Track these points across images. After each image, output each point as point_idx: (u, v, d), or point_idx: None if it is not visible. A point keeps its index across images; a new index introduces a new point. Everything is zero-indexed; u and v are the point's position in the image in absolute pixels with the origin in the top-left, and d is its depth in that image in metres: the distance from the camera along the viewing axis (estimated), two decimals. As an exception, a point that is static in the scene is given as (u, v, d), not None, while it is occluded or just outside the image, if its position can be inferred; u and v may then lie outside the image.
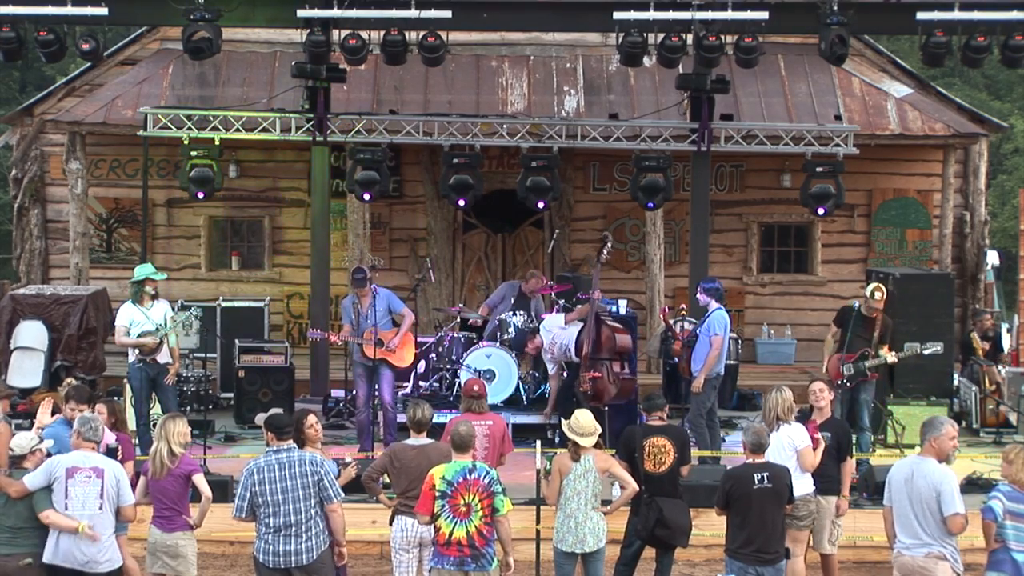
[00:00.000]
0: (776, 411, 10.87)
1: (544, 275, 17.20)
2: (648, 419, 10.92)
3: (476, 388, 11.27)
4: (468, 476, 9.20)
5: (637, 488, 10.43)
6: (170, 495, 9.72)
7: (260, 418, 9.81)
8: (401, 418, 13.52)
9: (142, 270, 14.30)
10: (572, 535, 10.21)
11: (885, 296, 13.81)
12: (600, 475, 10.27)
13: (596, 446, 10.42)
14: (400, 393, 15.57)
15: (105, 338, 17.62)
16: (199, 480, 9.90)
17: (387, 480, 10.26)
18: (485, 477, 9.23)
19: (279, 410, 10.37)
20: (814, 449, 10.90)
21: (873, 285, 13.97)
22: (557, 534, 10.28)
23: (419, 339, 16.04)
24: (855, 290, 19.75)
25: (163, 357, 14.11)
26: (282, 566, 9.20)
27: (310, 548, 9.21)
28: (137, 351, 14.03)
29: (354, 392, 15.20)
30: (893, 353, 13.82)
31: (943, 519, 9.08)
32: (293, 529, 9.18)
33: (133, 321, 14.00)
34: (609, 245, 14.79)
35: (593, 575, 10.38)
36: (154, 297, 14.11)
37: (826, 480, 11.06)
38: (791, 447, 10.80)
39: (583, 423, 10.24)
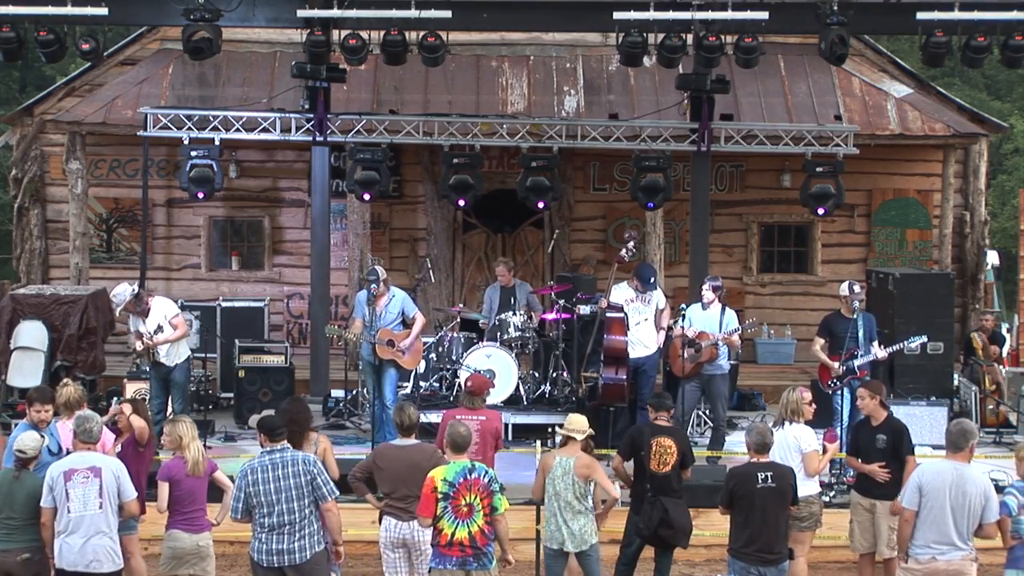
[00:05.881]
0: (782, 410, 10.85)
1: (512, 266, 17.24)
2: (655, 418, 10.92)
3: (470, 384, 11.34)
4: (468, 476, 9.22)
5: (617, 497, 10.48)
6: (199, 495, 9.84)
7: (254, 420, 9.86)
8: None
9: None
10: (555, 534, 10.27)
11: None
12: (579, 479, 10.24)
13: (584, 448, 10.47)
14: (400, 393, 15.59)
15: (105, 338, 17.63)
16: (222, 476, 10.05)
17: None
18: (485, 476, 9.26)
19: (270, 411, 10.38)
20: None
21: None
22: (544, 531, 10.36)
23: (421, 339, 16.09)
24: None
25: (169, 359, 14.30)
26: (275, 565, 9.22)
27: (303, 548, 9.22)
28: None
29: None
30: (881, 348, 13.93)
31: (981, 524, 9.15)
32: (287, 528, 9.20)
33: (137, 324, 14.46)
34: (631, 245, 14.91)
35: (588, 574, 10.40)
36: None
37: (882, 483, 10.92)
38: (796, 448, 10.78)
39: (576, 420, 10.42)
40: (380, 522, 10.10)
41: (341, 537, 9.55)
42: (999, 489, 9.80)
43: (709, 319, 14.25)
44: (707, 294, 14.34)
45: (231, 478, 12.57)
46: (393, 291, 14.80)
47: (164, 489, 9.78)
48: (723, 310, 14.30)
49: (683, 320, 14.47)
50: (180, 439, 9.84)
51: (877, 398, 11.24)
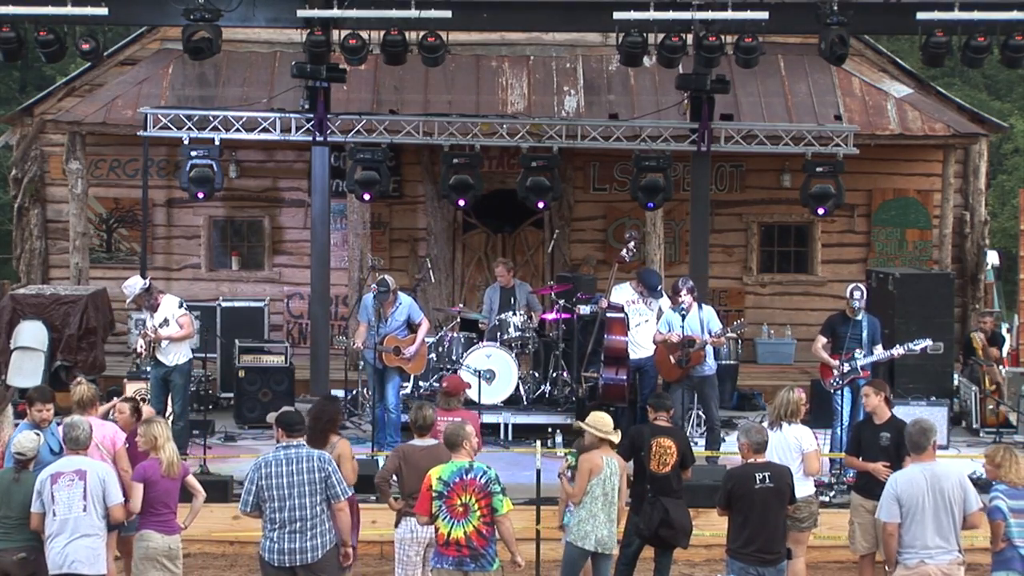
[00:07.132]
0: (779, 410, 10.85)
1: (512, 266, 17.31)
2: (655, 418, 10.92)
3: (446, 385, 11.39)
4: (464, 476, 9.20)
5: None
6: (174, 496, 9.77)
7: (271, 417, 9.84)
8: (403, 417, 13.53)
9: None
10: (595, 535, 10.19)
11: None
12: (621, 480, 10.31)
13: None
14: (401, 394, 15.60)
15: (105, 338, 17.65)
16: (193, 480, 10.04)
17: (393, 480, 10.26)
18: (482, 477, 9.22)
19: (290, 408, 10.36)
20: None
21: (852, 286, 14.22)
22: (578, 531, 10.23)
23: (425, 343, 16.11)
24: (855, 290, 19.77)
25: (170, 358, 14.21)
26: (287, 564, 9.19)
27: (315, 547, 9.20)
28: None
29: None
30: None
31: (964, 518, 9.13)
32: (298, 525, 9.18)
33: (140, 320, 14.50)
34: (631, 245, 14.90)
35: (602, 574, 10.40)
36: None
37: (884, 483, 10.85)
38: (796, 448, 10.77)
39: (607, 420, 10.29)
40: (398, 524, 10.06)
41: (351, 539, 9.52)
42: (983, 487, 9.80)
43: (690, 321, 14.13)
44: (686, 299, 14.13)
45: (230, 478, 12.64)
46: (400, 298, 14.84)
47: (138, 490, 9.67)
48: (699, 308, 14.22)
49: (664, 325, 14.34)
50: (155, 440, 9.75)
51: (882, 395, 11.24)
